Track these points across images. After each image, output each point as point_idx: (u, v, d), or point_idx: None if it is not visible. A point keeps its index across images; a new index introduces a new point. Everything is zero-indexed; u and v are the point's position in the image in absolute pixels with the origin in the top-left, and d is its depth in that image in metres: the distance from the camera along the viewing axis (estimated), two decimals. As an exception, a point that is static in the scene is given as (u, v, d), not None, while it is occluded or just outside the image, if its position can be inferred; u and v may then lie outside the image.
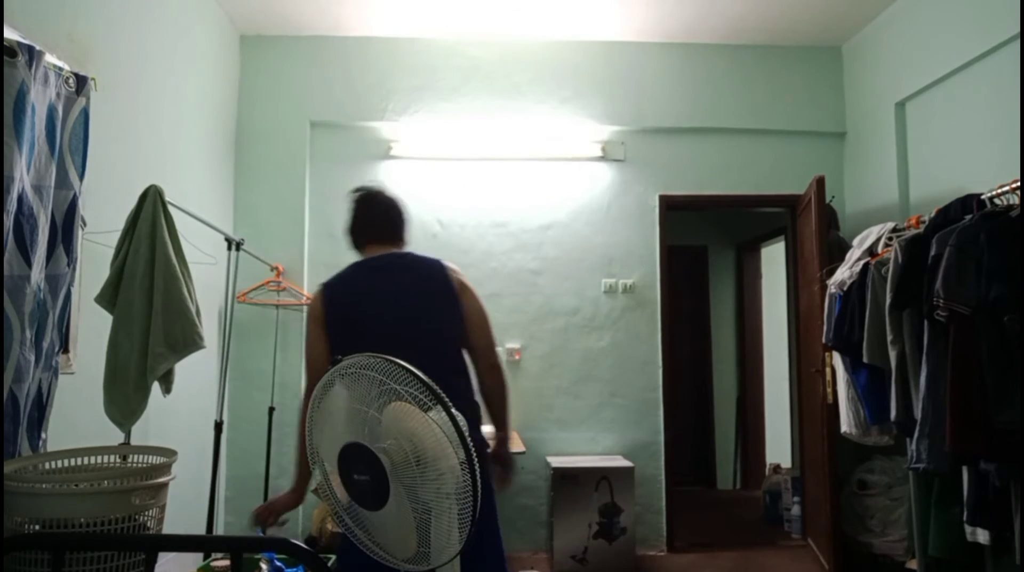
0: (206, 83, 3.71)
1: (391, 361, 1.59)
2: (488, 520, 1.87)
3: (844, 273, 3.27)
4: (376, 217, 2.11)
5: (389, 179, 4.20)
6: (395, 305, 1.94)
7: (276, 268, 3.93)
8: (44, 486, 1.68)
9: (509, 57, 4.25)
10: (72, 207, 2.03)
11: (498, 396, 2.02)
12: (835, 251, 3.70)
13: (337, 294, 2.00)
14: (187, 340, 2.29)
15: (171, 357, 2.27)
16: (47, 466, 1.79)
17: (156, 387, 2.30)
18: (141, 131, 2.98)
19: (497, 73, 4.24)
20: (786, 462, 4.86)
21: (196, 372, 3.25)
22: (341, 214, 4.07)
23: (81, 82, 2.08)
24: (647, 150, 4.30)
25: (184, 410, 3.17)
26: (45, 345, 1.95)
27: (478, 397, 2.02)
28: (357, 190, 2.17)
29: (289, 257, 4.03)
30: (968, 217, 2.47)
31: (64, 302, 2.03)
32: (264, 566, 2.47)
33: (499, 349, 2.16)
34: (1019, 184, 2.35)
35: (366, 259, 2.07)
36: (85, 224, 2.26)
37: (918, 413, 2.56)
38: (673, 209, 4.33)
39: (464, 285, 1.99)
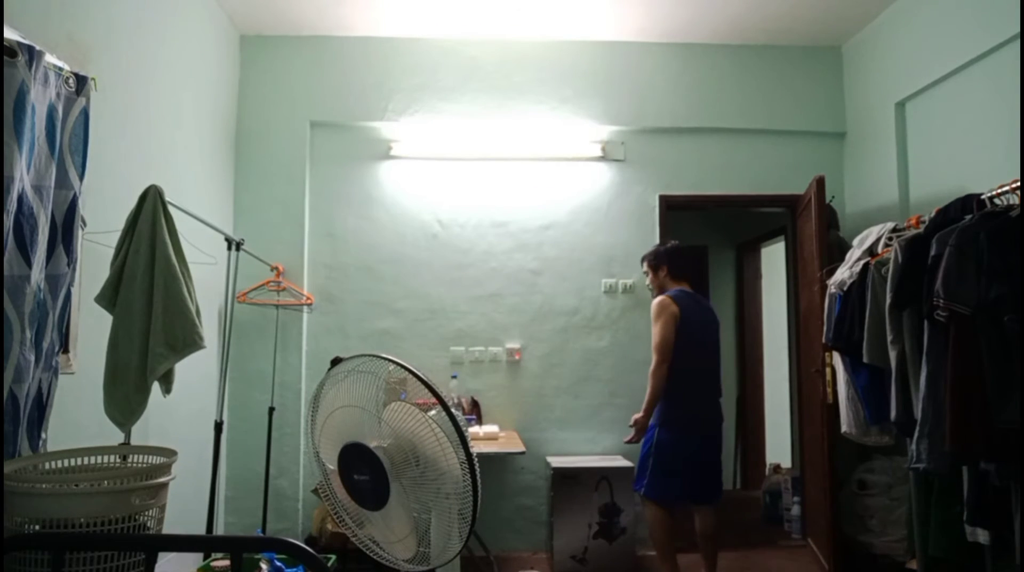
0: (206, 83, 3.71)
1: (390, 360, 1.60)
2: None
3: (844, 273, 3.27)
4: (688, 264, 3.46)
5: (389, 179, 4.21)
6: (710, 328, 3.33)
7: (276, 268, 3.93)
8: (44, 486, 1.67)
9: (509, 57, 4.25)
10: (72, 207, 2.03)
11: None
12: (835, 251, 3.70)
13: (685, 306, 3.23)
14: (187, 340, 2.29)
15: (171, 357, 2.27)
16: (47, 466, 1.79)
17: (156, 387, 2.29)
18: (141, 131, 2.98)
19: (497, 73, 4.24)
20: (786, 462, 4.86)
21: (196, 372, 3.26)
22: (341, 214, 4.16)
23: (81, 82, 2.08)
24: (647, 150, 4.31)
25: (184, 410, 3.17)
26: (45, 345, 1.95)
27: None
28: (673, 242, 3.52)
29: (289, 257, 4.03)
30: (968, 217, 2.47)
31: (64, 302, 2.03)
32: (264, 566, 2.47)
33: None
34: (1019, 184, 2.35)
35: (691, 291, 3.36)
36: (85, 224, 2.26)
37: (918, 413, 2.56)
38: (673, 209, 4.33)
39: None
